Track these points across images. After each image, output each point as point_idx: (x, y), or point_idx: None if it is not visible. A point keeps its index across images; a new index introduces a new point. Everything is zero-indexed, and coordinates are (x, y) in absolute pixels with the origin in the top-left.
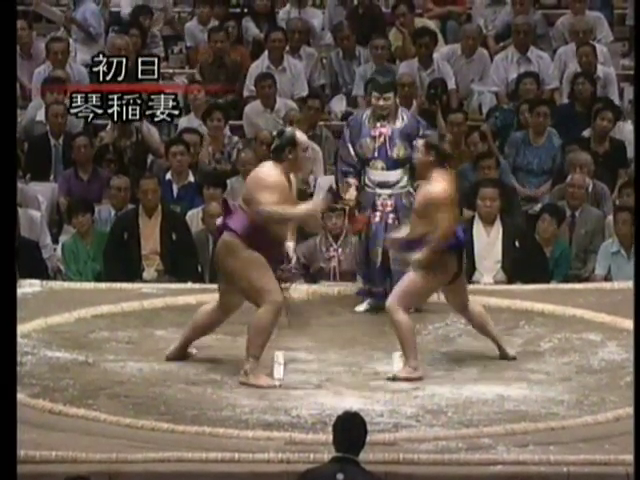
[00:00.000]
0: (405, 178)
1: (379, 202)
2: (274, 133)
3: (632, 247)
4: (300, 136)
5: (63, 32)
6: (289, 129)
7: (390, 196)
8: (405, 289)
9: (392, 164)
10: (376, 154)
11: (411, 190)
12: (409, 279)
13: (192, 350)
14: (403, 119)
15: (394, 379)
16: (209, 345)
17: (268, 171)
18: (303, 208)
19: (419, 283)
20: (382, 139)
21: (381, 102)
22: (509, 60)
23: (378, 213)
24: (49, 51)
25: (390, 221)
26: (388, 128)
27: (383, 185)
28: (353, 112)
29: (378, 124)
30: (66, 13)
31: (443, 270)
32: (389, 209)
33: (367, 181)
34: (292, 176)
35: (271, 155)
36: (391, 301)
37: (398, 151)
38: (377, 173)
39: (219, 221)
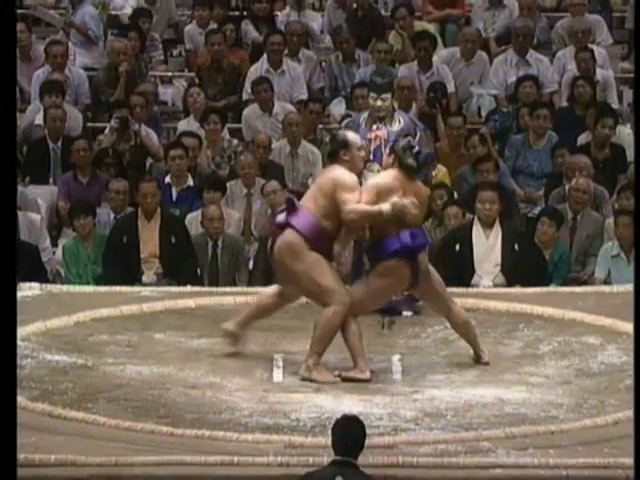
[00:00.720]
0: None
1: None
2: (326, 139)
3: (632, 250)
4: (352, 136)
5: (62, 35)
6: (340, 131)
7: None
8: (358, 295)
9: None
10: (371, 156)
11: None
12: (357, 286)
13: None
14: (400, 122)
15: (339, 377)
16: (210, 348)
17: (341, 173)
18: (387, 205)
19: (368, 290)
20: (378, 141)
21: (379, 103)
22: (508, 63)
23: None
24: (48, 54)
25: None
26: (384, 130)
27: None
28: (352, 115)
29: (374, 126)
30: (65, 17)
31: (394, 277)
32: None
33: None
34: None
35: (328, 161)
36: (337, 305)
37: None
38: (373, 175)
39: (280, 219)
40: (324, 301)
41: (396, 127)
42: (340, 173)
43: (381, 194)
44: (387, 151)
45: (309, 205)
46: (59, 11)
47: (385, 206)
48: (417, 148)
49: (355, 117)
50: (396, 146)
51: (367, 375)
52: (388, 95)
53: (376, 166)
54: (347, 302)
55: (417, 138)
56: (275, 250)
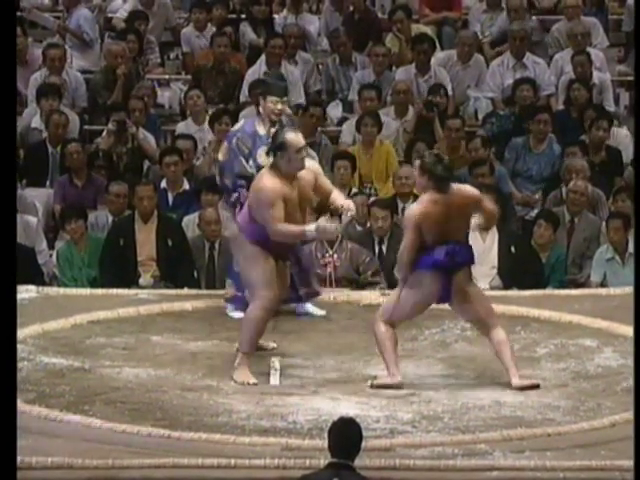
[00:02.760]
0: None
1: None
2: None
3: (626, 253)
4: (291, 137)
5: (59, 38)
6: (281, 130)
7: None
8: (390, 303)
9: None
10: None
11: None
12: (396, 293)
13: (269, 343)
14: (282, 122)
15: (371, 386)
16: (205, 351)
17: (264, 185)
18: (312, 226)
19: (403, 299)
20: None
21: (279, 106)
22: (505, 66)
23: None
24: (46, 57)
25: None
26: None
27: None
28: (349, 118)
29: (272, 130)
30: (59, 22)
31: (422, 290)
32: None
33: None
34: (314, 168)
35: (267, 158)
36: (377, 312)
37: None
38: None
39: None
40: (251, 294)
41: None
42: (263, 183)
43: (422, 223)
44: (417, 170)
45: (247, 209)
46: (55, 14)
47: (309, 227)
48: (445, 157)
49: (245, 123)
50: (425, 163)
51: (397, 380)
52: (286, 99)
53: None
54: (267, 297)
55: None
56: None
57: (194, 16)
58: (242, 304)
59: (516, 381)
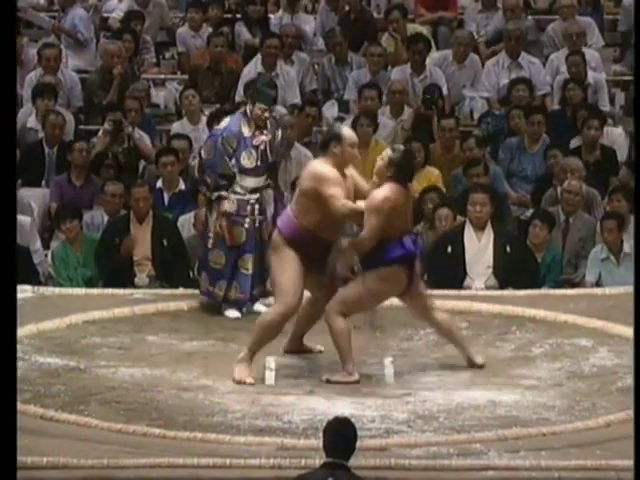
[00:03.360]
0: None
1: (248, 208)
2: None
3: (621, 253)
4: (347, 132)
5: (54, 38)
6: (337, 125)
7: (257, 200)
8: (346, 295)
9: (266, 169)
10: (259, 162)
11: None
12: (353, 286)
13: (316, 346)
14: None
15: (327, 382)
16: (201, 350)
17: (321, 167)
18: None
19: (362, 291)
20: (263, 146)
21: (267, 114)
22: (500, 66)
23: (248, 219)
24: (41, 57)
25: (258, 224)
26: (266, 136)
27: (255, 190)
28: (345, 118)
29: (257, 132)
30: (54, 22)
31: (392, 282)
32: (257, 213)
33: (238, 189)
34: (351, 171)
35: (319, 151)
36: (330, 305)
37: (274, 156)
38: (252, 180)
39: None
40: (274, 297)
41: (269, 128)
42: (321, 168)
43: (389, 209)
44: (385, 159)
45: (292, 203)
46: (51, 14)
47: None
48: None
49: (230, 122)
50: (395, 157)
51: (355, 377)
52: (274, 106)
53: (260, 170)
54: (289, 304)
55: (278, 137)
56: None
57: (189, 16)
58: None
59: (480, 359)
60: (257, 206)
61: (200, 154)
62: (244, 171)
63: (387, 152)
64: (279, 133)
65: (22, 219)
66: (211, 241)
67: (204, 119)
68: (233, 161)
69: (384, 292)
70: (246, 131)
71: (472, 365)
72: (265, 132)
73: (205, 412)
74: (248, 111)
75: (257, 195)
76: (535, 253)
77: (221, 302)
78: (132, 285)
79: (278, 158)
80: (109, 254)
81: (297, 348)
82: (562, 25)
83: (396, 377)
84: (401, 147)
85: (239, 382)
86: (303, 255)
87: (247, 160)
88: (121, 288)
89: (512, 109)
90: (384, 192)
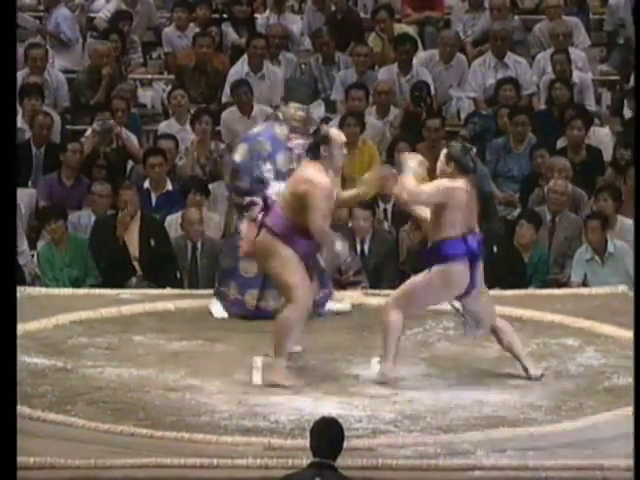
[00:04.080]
0: None
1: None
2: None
3: (605, 253)
4: (335, 132)
5: (40, 38)
6: (324, 127)
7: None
8: (405, 290)
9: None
10: (295, 165)
11: None
12: (412, 280)
13: (294, 347)
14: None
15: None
16: (188, 351)
17: (320, 179)
18: (337, 242)
19: (421, 287)
20: (299, 149)
21: (300, 113)
22: (486, 66)
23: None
24: (27, 57)
25: None
26: (304, 137)
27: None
28: (332, 118)
29: (293, 135)
30: (37, 22)
31: (457, 281)
32: None
33: (275, 196)
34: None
35: (307, 155)
36: (388, 299)
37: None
38: (279, 185)
39: (259, 218)
40: (286, 297)
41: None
42: (317, 176)
43: (449, 199)
44: (442, 158)
45: (281, 202)
46: (37, 14)
47: (338, 242)
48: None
49: (264, 129)
50: (452, 150)
51: (394, 375)
52: (308, 106)
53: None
54: (307, 301)
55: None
56: (257, 251)
57: (176, 15)
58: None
59: (537, 371)
60: None
61: (233, 159)
62: (281, 175)
63: (443, 152)
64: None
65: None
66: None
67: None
68: (269, 165)
69: (446, 291)
70: (280, 134)
71: (528, 376)
72: (302, 135)
73: (192, 412)
74: (280, 114)
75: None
76: (522, 253)
77: (253, 311)
78: (127, 285)
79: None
80: (102, 252)
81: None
82: (549, 25)
83: (383, 377)
84: (456, 143)
85: (279, 386)
86: (296, 252)
87: (283, 163)
88: (119, 287)
89: (499, 109)
90: (447, 182)
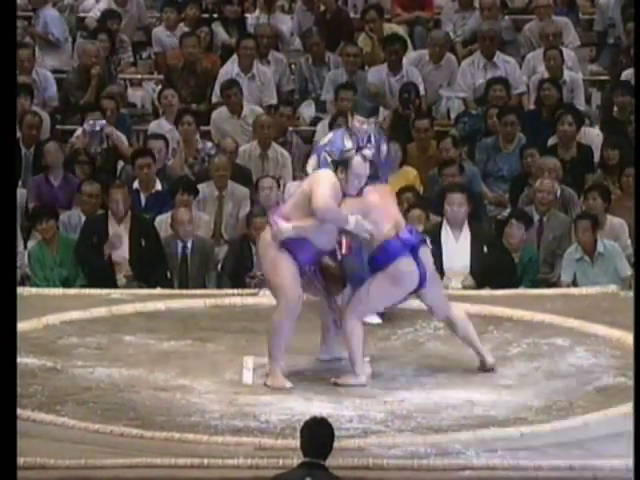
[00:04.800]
0: None
1: None
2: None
3: (595, 253)
4: (357, 161)
5: (28, 38)
6: (352, 153)
7: None
8: (359, 297)
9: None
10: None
11: None
12: (364, 288)
13: None
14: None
15: (335, 384)
16: (179, 350)
17: (326, 175)
18: (353, 219)
19: (378, 292)
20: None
21: (365, 126)
22: (476, 66)
23: None
24: (15, 57)
25: None
26: (371, 148)
27: None
28: (322, 117)
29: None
30: (25, 24)
31: (405, 278)
32: None
33: None
34: None
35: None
36: (347, 308)
37: (375, 170)
38: None
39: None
40: (276, 298)
41: (373, 142)
42: (325, 176)
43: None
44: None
45: (288, 203)
46: (27, 13)
47: (352, 217)
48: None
49: (335, 136)
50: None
51: (362, 380)
52: (373, 119)
53: None
54: (297, 303)
55: (384, 151)
56: (258, 247)
57: (165, 15)
58: None
59: (491, 360)
60: None
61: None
62: None
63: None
64: (384, 147)
65: None
66: None
67: None
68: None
69: (399, 289)
70: (348, 145)
71: (484, 365)
72: (368, 145)
73: (182, 412)
74: (350, 124)
75: None
76: (512, 253)
77: None
78: (115, 284)
79: (384, 174)
80: (89, 254)
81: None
82: (538, 25)
83: (373, 377)
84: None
85: (279, 389)
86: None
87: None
88: (104, 288)
89: (489, 109)
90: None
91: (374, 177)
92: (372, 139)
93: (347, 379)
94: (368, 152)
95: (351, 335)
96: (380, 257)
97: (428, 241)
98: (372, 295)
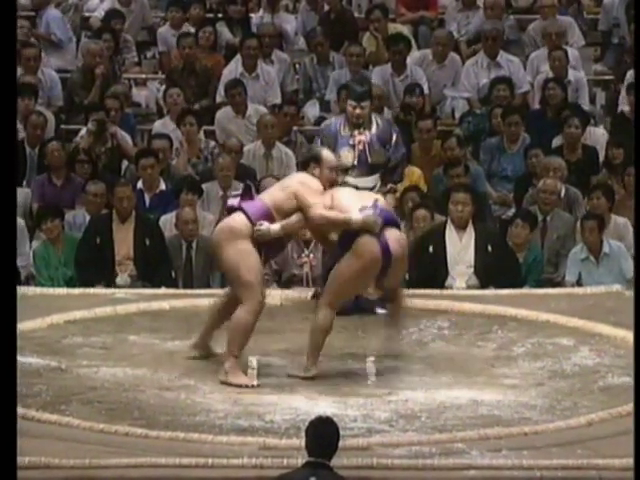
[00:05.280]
0: (379, 183)
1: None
2: (300, 141)
3: (600, 253)
4: (327, 154)
5: (33, 38)
6: (317, 147)
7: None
8: (331, 284)
9: (368, 170)
10: (356, 162)
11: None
12: (332, 275)
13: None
14: (378, 124)
15: (288, 376)
16: (183, 350)
17: (308, 178)
18: (359, 216)
19: (344, 276)
20: (361, 146)
21: (357, 111)
22: (479, 65)
23: None
24: (20, 57)
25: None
26: (366, 135)
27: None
28: (326, 117)
29: (356, 132)
30: (27, 26)
31: (366, 255)
32: None
33: None
34: None
35: (299, 169)
36: (320, 299)
37: (377, 157)
38: (355, 180)
39: (232, 202)
40: (240, 294)
41: (375, 130)
42: (306, 178)
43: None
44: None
45: (266, 198)
46: (29, 13)
47: (355, 216)
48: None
49: (332, 122)
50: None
51: (310, 374)
52: (367, 103)
53: (357, 170)
54: (260, 300)
55: (393, 140)
56: (216, 230)
57: (170, 15)
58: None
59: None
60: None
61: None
62: (345, 171)
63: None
64: (394, 137)
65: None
66: None
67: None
68: None
69: (363, 268)
70: (343, 130)
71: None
72: (366, 132)
73: (187, 412)
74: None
75: None
76: (516, 252)
77: (376, 302)
78: (114, 285)
79: (394, 164)
80: (90, 254)
81: (204, 347)
82: (542, 24)
83: (378, 377)
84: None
85: (246, 387)
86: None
87: (342, 159)
88: (102, 287)
89: (493, 108)
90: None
91: (383, 165)
92: (376, 125)
93: (297, 372)
94: (362, 137)
95: (316, 327)
96: (344, 238)
97: (400, 223)
98: (339, 276)
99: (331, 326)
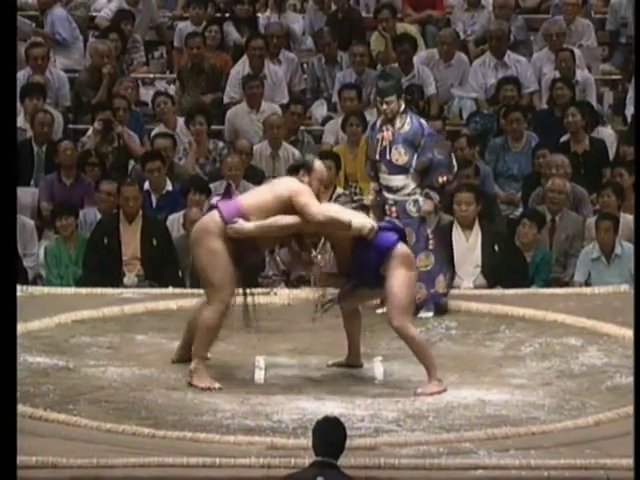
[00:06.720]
0: (412, 185)
1: (387, 207)
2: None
3: (612, 254)
4: (318, 165)
5: (41, 38)
6: (310, 156)
7: (395, 202)
8: (398, 301)
9: (393, 169)
10: (378, 157)
11: (419, 198)
12: (392, 291)
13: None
14: (410, 124)
15: (416, 395)
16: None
17: (297, 183)
18: (360, 221)
19: (405, 287)
20: (384, 142)
21: (383, 106)
22: (486, 65)
23: (386, 218)
24: (29, 57)
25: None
26: (390, 132)
27: (388, 190)
28: (333, 117)
29: (384, 127)
30: (32, 26)
31: (412, 263)
32: (394, 215)
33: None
34: None
35: (288, 174)
36: (395, 320)
37: (398, 156)
38: (383, 177)
39: (213, 200)
40: (207, 294)
41: (405, 129)
42: (297, 182)
43: None
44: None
45: (246, 198)
46: (36, 13)
47: (357, 221)
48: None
49: (374, 119)
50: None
51: (444, 386)
52: (392, 98)
53: (383, 166)
54: (225, 301)
55: (422, 142)
56: (193, 228)
57: (193, 12)
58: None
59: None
60: (393, 208)
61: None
62: (373, 162)
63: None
64: (423, 141)
65: (26, 220)
66: None
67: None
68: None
69: (414, 275)
70: (378, 123)
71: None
72: (392, 130)
73: (194, 411)
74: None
75: (393, 196)
76: (524, 252)
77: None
78: (121, 285)
79: (421, 167)
80: (98, 254)
81: (188, 356)
82: (544, 25)
83: (385, 376)
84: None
85: (207, 389)
86: (228, 248)
87: (371, 151)
88: (110, 287)
89: (501, 108)
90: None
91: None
92: (410, 125)
93: (432, 389)
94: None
95: (415, 342)
96: (375, 254)
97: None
98: (401, 291)
99: (420, 336)
